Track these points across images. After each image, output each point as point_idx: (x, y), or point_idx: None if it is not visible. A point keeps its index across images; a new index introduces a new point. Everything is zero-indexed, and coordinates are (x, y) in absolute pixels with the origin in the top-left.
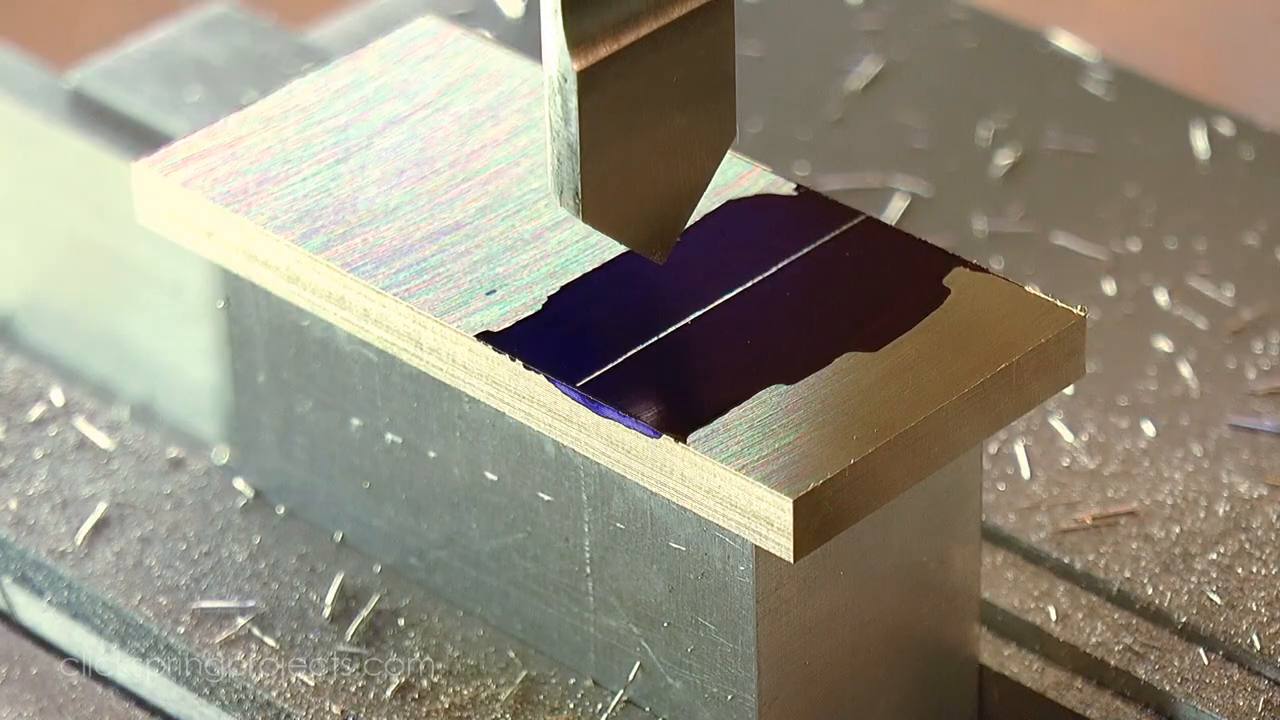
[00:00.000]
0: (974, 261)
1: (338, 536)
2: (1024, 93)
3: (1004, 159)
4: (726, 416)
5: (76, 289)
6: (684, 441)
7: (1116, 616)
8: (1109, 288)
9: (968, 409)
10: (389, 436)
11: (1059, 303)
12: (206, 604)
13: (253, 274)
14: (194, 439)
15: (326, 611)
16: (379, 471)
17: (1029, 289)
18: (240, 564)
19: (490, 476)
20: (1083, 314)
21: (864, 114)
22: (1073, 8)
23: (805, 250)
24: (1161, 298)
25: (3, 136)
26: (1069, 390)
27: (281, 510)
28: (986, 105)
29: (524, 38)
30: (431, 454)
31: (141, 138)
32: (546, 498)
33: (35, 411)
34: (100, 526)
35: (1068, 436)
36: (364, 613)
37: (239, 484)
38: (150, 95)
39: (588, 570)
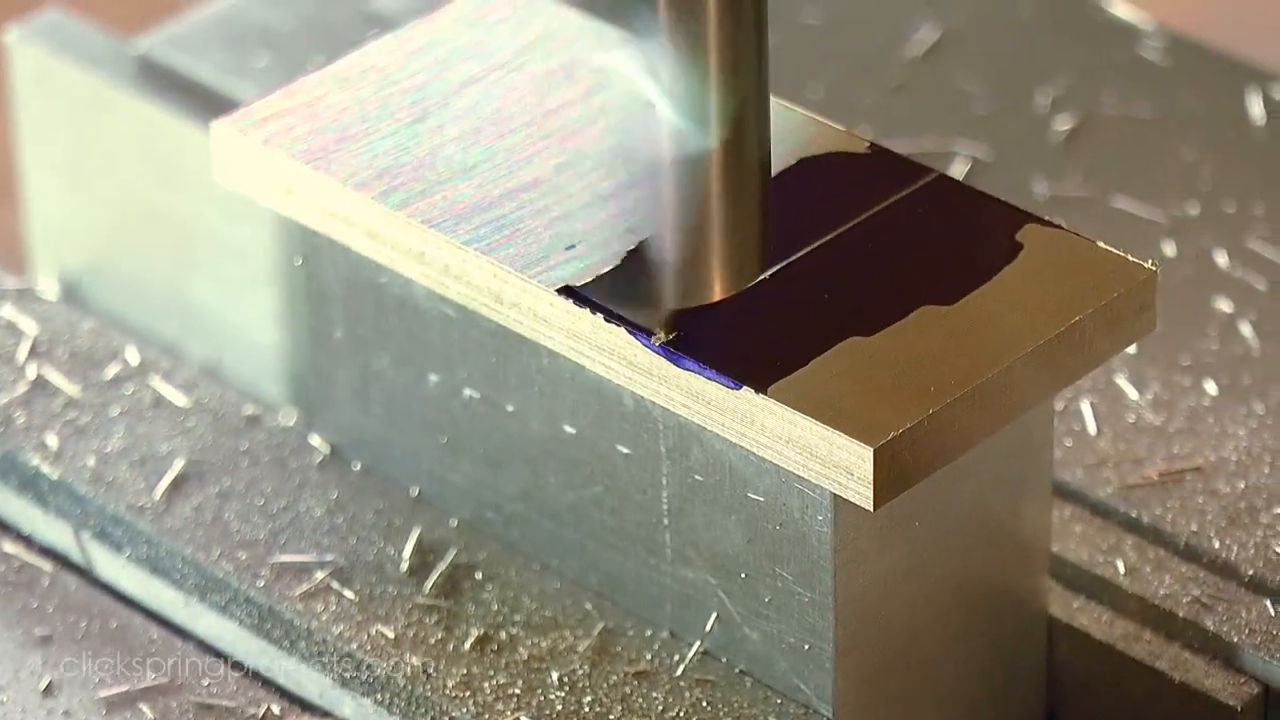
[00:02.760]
0: (1046, 218)
1: (414, 491)
2: (1081, 59)
3: (1063, 124)
4: (807, 368)
5: (143, 253)
6: (765, 393)
7: (1184, 569)
8: (1169, 249)
9: (1042, 362)
10: (467, 392)
11: (1130, 258)
12: (286, 558)
13: (332, 231)
14: (261, 402)
15: (404, 565)
16: (457, 426)
17: (1100, 244)
18: (318, 519)
19: (569, 430)
20: (1154, 268)
21: (924, 80)
22: None
23: (880, 206)
24: (1221, 259)
25: (71, 102)
26: (1132, 350)
27: (358, 466)
28: (1045, 72)
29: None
30: (510, 408)
31: (208, 103)
32: (625, 450)
33: (111, 370)
34: (178, 482)
35: (1132, 394)
36: (441, 566)
37: (314, 440)
38: (217, 61)
39: (665, 522)
